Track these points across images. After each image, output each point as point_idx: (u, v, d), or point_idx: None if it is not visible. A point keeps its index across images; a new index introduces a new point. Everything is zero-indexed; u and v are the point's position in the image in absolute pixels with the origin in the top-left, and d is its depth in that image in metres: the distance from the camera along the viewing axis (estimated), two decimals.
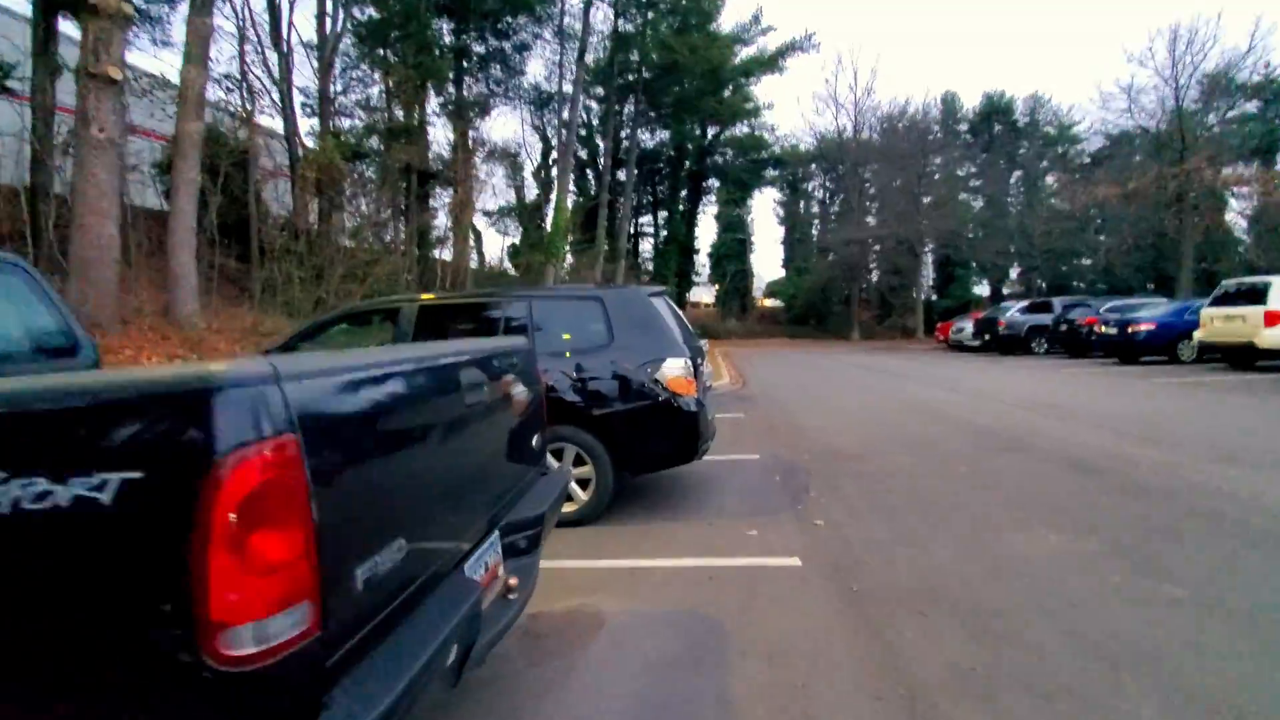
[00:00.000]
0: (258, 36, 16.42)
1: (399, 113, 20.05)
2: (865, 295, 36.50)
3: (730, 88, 32.28)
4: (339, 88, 19.22)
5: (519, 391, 2.40)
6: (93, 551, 1.01)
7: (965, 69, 71.73)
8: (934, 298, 36.08)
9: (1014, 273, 37.95)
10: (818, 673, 2.38)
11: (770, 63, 31.64)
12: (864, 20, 65.48)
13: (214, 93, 15.36)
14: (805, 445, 6.60)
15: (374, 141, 20.12)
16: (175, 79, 12.12)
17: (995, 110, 37.26)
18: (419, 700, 1.27)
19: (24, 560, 1.04)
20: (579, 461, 4.27)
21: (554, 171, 28.56)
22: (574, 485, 4.27)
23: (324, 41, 17.78)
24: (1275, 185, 23.52)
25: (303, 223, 15.79)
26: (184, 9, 12.96)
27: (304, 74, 18.44)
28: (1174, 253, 26.01)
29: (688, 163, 37.53)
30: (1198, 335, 12.36)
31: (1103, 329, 14.89)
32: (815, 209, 42.27)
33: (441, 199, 22.28)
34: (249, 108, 15.93)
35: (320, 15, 17.57)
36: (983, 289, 38.04)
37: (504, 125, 63.20)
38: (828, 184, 40.79)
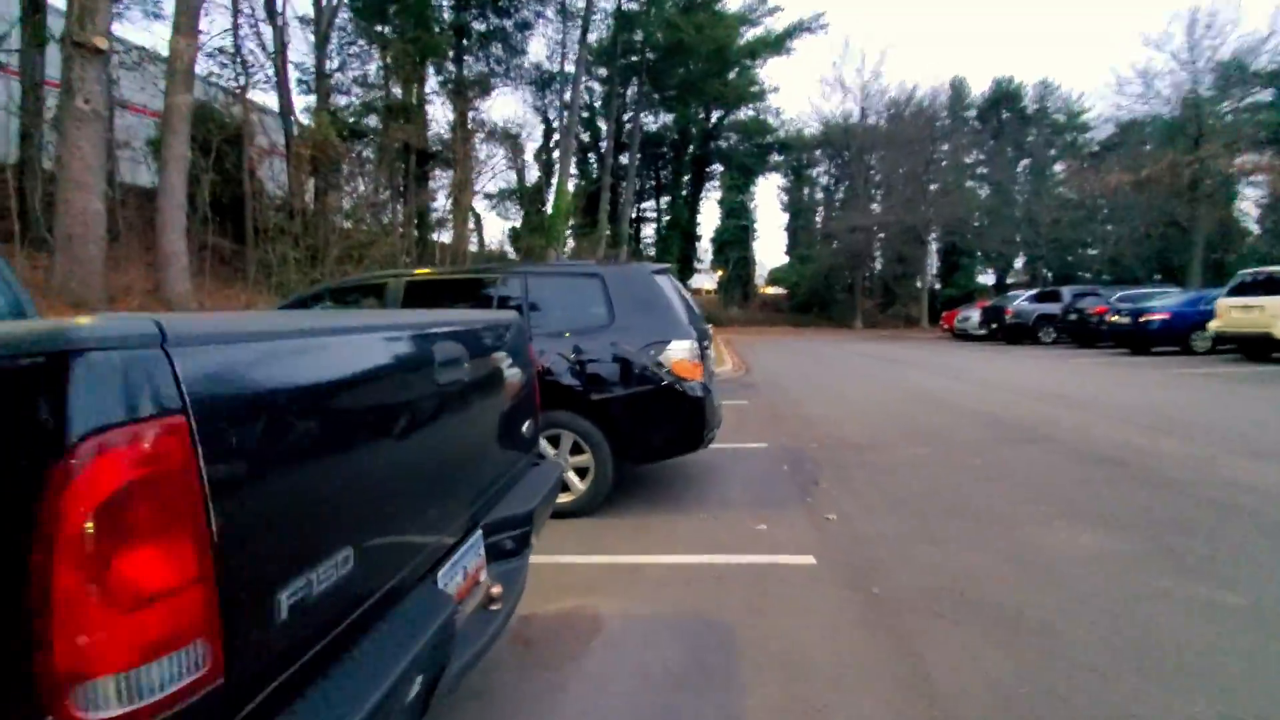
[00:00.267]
0: (251, 9, 15.97)
1: (397, 90, 19.62)
2: (869, 284, 36.10)
3: (736, 70, 31.69)
4: (335, 63, 18.75)
5: (507, 371, 2.12)
6: None
7: (975, 54, 70.83)
8: (938, 287, 35.68)
9: (1019, 262, 37.52)
10: (840, 692, 2.12)
11: (777, 44, 31.04)
12: (873, 2, 64.48)
13: (206, 66, 15.02)
14: (812, 434, 6.34)
15: (372, 120, 19.71)
16: (166, 52, 11.74)
17: (1004, 96, 36.58)
18: None
19: None
20: (576, 449, 4.00)
21: (555, 154, 28.13)
22: (571, 475, 4.01)
23: (320, 14, 17.33)
24: None
25: (298, 202, 15.43)
26: None
27: (299, 49, 18.06)
28: (1182, 242, 25.61)
29: (691, 147, 36.99)
30: (1213, 325, 12.04)
31: (1114, 319, 14.57)
32: (820, 196, 41.69)
33: (441, 180, 21.89)
34: (242, 83, 15.53)
35: None
36: (987, 278, 37.63)
37: (505, 105, 62.38)
38: (832, 170, 40.19)
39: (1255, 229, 27.89)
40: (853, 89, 37.34)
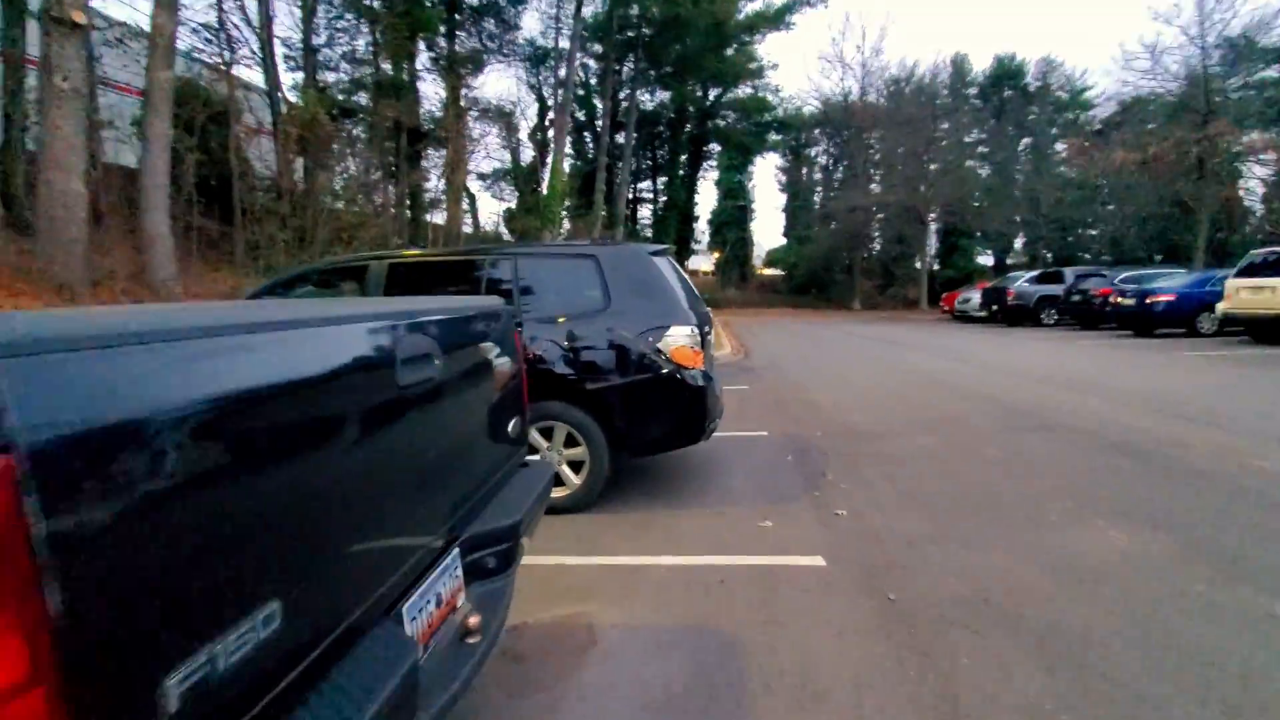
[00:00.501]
0: None
1: (387, 67, 19.09)
2: (867, 265, 35.78)
3: (734, 45, 31.05)
4: (323, 39, 18.22)
5: (490, 366, 1.89)
6: None
7: (977, 30, 69.67)
8: (936, 268, 35.37)
9: (1018, 243, 37.21)
10: (859, 717, 1.92)
11: (776, 18, 30.38)
12: None
13: (190, 42, 14.56)
14: (816, 421, 6.13)
15: (361, 98, 19.20)
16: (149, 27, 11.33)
17: (1006, 74, 36.01)
18: None
19: None
20: (571, 442, 3.78)
21: (550, 133, 27.60)
22: (565, 469, 3.80)
23: None
24: None
25: (286, 182, 15.04)
26: None
27: (285, 24, 17.49)
28: (1185, 223, 25.29)
29: (689, 126, 36.40)
30: (1222, 307, 11.82)
31: (1119, 300, 14.33)
32: (818, 176, 41.22)
33: (434, 160, 21.42)
34: (227, 58, 15.05)
35: None
36: (986, 260, 37.32)
37: (498, 83, 61.26)
38: (831, 149, 39.68)
39: (1259, 209, 27.53)
40: (853, 66, 36.81)
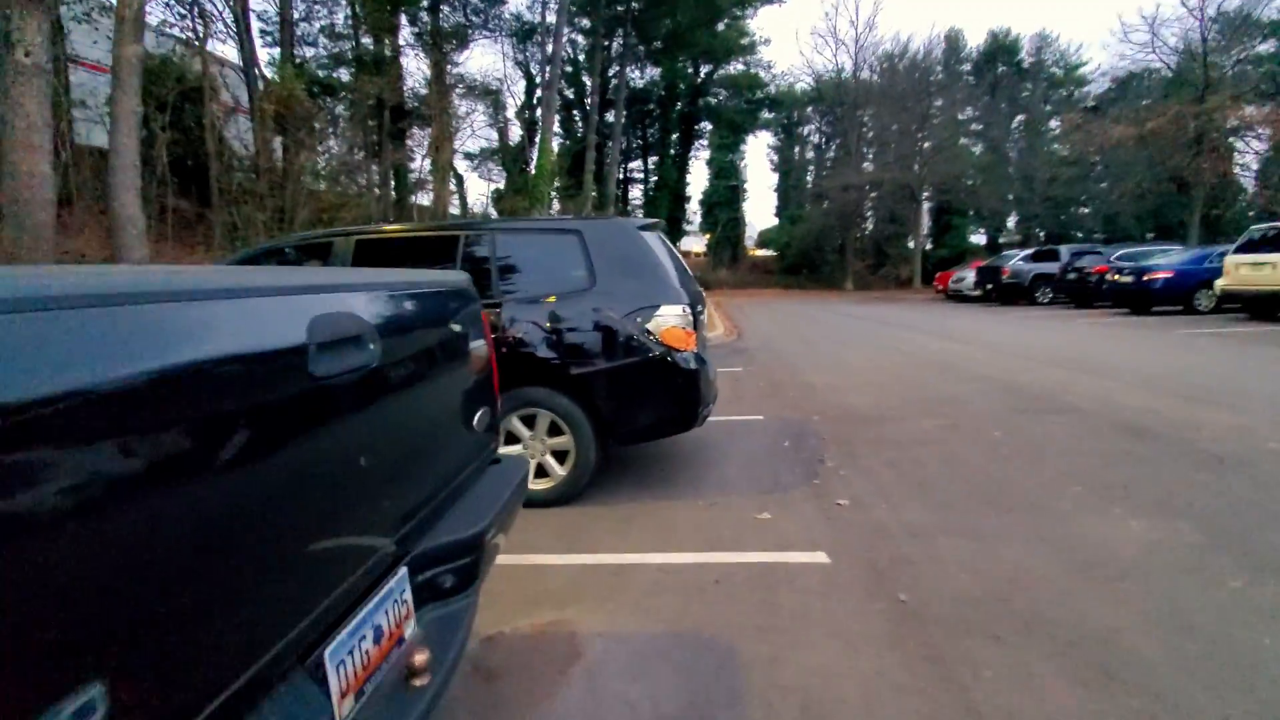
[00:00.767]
0: None
1: (368, 41, 18.50)
2: (860, 244, 35.47)
3: (725, 20, 30.35)
4: (300, 13, 17.60)
5: (452, 350, 1.64)
6: None
7: (971, 3, 68.60)
8: (929, 247, 35.12)
9: (1011, 221, 36.96)
10: None
11: None
12: None
13: (161, 15, 14.00)
14: (812, 404, 5.91)
15: (343, 74, 18.64)
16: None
17: (1000, 49, 35.49)
18: None
19: None
20: (555, 430, 3.53)
21: (538, 111, 26.98)
22: (549, 459, 3.56)
23: None
24: None
25: (264, 161, 14.56)
26: None
27: None
28: (1178, 200, 25.11)
29: (679, 104, 35.77)
30: (1220, 283, 11.65)
31: (1116, 277, 14.15)
32: (811, 154, 40.73)
33: (418, 139, 20.89)
34: (200, 32, 14.47)
35: None
36: (979, 238, 37.07)
37: (483, 58, 59.72)
38: (824, 128, 39.15)
39: (1252, 184, 27.38)
40: (846, 42, 36.29)
